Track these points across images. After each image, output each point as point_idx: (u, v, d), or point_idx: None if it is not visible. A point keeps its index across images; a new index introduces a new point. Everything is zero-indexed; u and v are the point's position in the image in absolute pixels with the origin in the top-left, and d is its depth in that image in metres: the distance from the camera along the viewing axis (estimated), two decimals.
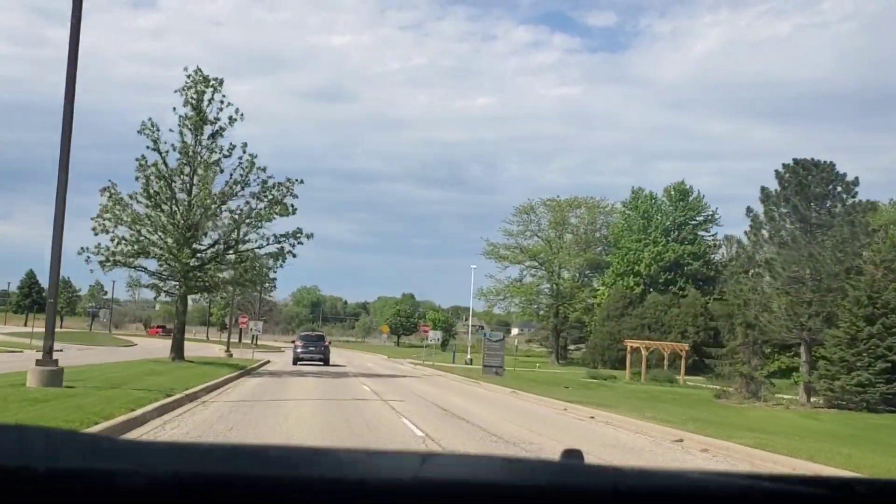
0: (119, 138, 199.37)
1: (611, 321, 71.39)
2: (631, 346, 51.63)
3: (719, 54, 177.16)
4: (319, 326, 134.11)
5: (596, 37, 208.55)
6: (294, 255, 32.91)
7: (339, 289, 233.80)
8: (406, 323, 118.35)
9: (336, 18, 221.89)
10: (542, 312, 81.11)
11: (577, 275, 79.82)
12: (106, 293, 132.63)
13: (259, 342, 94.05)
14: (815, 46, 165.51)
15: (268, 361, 45.57)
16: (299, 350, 46.07)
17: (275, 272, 33.51)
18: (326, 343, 47.99)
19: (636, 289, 72.29)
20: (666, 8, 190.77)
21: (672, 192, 76.81)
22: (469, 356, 65.09)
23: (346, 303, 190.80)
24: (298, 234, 33.27)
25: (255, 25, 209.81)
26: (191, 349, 63.16)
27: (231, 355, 48.08)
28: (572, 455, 1.78)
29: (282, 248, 33.15)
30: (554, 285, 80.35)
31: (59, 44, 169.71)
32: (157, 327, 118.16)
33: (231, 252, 32.75)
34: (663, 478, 1.56)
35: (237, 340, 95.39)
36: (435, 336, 50.83)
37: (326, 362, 45.09)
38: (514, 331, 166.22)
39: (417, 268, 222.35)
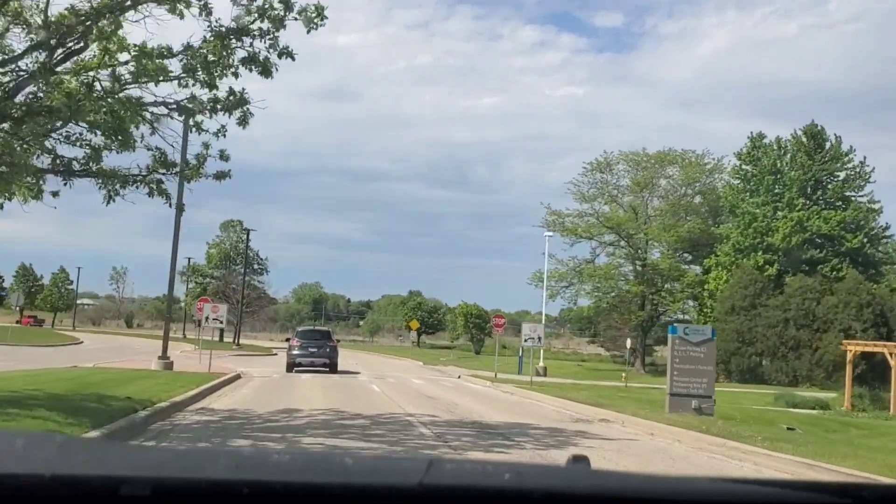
0: None
1: (736, 315, 47.64)
2: (853, 351, 27.93)
3: (726, 54, 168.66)
4: (322, 324, 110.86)
5: (603, 37, 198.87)
6: (245, 124, 8.24)
7: (341, 288, 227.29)
8: (429, 320, 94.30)
9: (343, 17, 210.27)
10: (619, 303, 57.13)
11: (672, 253, 55.87)
12: (71, 283, 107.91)
13: (243, 342, 69.67)
14: (822, 47, 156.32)
15: (235, 378, 22.74)
16: (296, 352, 34.48)
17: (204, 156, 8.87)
18: (334, 342, 36.24)
19: (769, 269, 48.49)
20: (672, 8, 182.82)
21: (802, 139, 52.95)
22: (542, 363, 44.32)
23: (349, 300, 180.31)
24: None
25: None
26: (138, 349, 41.18)
27: (171, 364, 24.00)
28: (579, 461, 1.66)
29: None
30: (638, 267, 56.54)
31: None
32: (29, 317, 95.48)
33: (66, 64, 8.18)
34: (671, 484, 1.47)
35: (217, 339, 70.95)
36: (534, 332, 26.70)
37: (334, 368, 34.12)
38: (526, 330, 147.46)
39: (421, 267, 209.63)
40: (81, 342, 61.32)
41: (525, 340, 28.02)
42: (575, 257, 59.32)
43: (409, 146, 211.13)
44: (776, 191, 52.75)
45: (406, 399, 19.28)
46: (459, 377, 34.41)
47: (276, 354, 53.81)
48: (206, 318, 26.42)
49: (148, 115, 10.52)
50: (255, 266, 72.96)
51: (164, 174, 11.90)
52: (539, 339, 27.54)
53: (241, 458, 1.42)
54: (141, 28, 10.19)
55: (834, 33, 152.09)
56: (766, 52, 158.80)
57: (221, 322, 26.23)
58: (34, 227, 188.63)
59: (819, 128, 54.55)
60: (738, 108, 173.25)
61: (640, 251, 58.09)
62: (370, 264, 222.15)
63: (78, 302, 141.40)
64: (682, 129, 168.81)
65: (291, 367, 33.73)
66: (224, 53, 10.14)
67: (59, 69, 10.31)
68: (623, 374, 49.41)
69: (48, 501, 1.20)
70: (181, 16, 10.23)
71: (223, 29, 10.81)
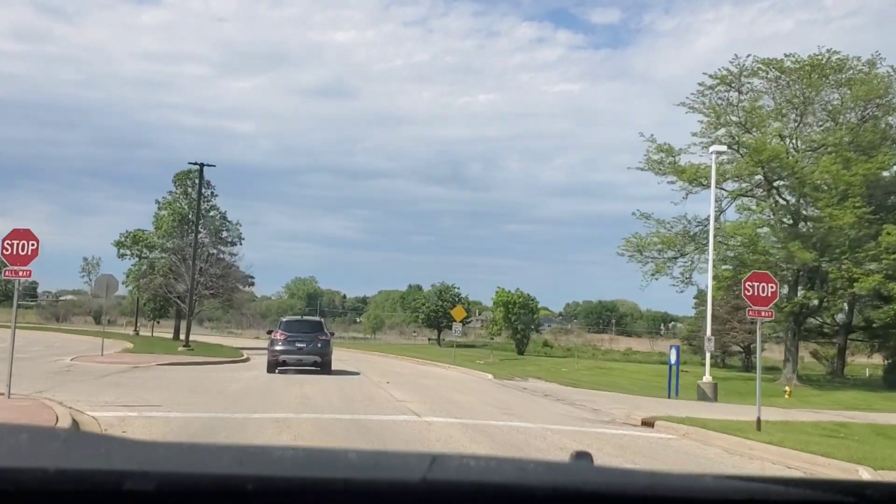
0: (123, 134, 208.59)
1: None
2: None
3: (723, 51, 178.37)
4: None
5: (599, 33, 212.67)
6: None
7: (336, 285, 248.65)
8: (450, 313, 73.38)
9: (340, 15, 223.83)
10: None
11: (853, 202, 36.33)
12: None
13: (213, 341, 49.04)
14: (819, 42, 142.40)
15: None
16: (280, 347, 29.43)
17: None
18: (327, 335, 31.06)
19: None
20: (669, 4, 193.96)
21: None
22: (708, 376, 30.01)
23: (344, 297, 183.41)
24: None
25: (259, 22, 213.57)
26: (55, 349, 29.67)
27: None
28: (582, 457, 1.70)
29: None
30: (779, 223, 36.91)
31: (64, 41, 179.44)
32: None
33: None
34: (675, 481, 1.50)
35: (172, 336, 49.74)
36: None
37: (326, 368, 29.87)
38: None
39: (417, 264, 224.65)
40: None
41: None
42: (684, 216, 39.78)
43: (406, 144, 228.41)
44: None
45: None
46: (627, 413, 16.50)
47: (247, 360, 35.35)
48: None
49: None
50: (224, 234, 51.58)
51: None
52: None
53: (245, 453, 1.43)
54: None
55: (831, 29, 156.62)
56: (763, 48, 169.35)
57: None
58: (27, 224, 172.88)
59: None
60: None
61: (793, 200, 37.87)
62: (365, 261, 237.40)
63: (62, 298, 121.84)
64: (681, 126, 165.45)
65: (274, 366, 29.89)
66: None
67: None
68: (786, 389, 35.75)
69: (52, 496, 1.20)
70: None
71: None
